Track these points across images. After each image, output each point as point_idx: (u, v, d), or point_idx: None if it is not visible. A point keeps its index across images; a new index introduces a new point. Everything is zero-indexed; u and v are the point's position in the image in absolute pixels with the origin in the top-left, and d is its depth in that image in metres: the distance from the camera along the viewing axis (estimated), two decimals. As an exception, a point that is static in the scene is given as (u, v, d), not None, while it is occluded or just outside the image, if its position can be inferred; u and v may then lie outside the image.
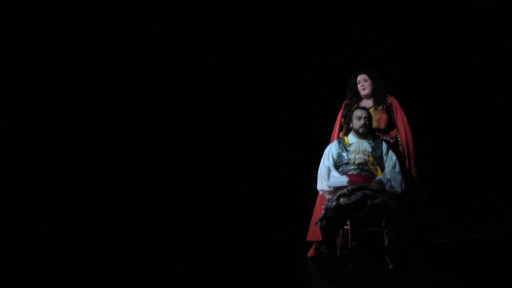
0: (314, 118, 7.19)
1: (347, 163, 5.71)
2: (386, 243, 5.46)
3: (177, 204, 7.52)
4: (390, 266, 5.40)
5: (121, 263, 6.35)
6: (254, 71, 7.69)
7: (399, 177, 5.62)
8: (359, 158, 5.70)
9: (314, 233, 5.96)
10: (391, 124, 6.03)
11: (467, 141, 7.70)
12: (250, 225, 7.34)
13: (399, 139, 5.93)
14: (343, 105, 6.16)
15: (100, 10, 7.42)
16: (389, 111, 6.03)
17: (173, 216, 7.42)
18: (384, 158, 5.73)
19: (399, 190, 5.58)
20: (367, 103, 6.07)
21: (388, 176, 5.62)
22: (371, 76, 6.01)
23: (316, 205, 6.04)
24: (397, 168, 5.68)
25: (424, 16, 7.59)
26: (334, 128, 6.14)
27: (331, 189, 5.63)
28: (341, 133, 6.07)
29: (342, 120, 6.10)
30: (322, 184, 5.71)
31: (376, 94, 6.04)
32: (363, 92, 6.04)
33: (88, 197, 7.33)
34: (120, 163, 7.47)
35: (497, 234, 6.73)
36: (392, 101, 6.04)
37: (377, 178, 5.61)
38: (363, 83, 6.02)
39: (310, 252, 6.04)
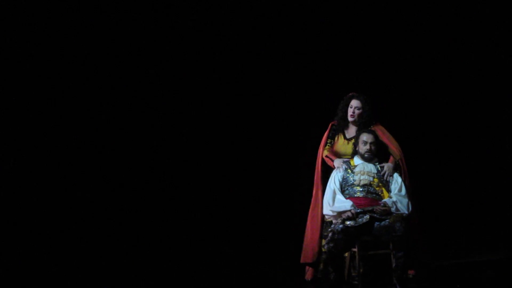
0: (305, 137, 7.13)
1: (352, 185, 5.76)
2: (393, 265, 5.53)
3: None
4: (398, 288, 5.49)
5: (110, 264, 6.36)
6: (237, 86, 7.66)
7: (405, 200, 5.69)
8: (364, 179, 5.75)
9: (306, 255, 5.99)
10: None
11: (463, 161, 7.72)
12: (243, 248, 7.29)
13: (397, 161, 5.92)
14: (329, 126, 6.17)
15: (99, 10, 7.42)
16: None
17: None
18: (390, 180, 5.79)
19: (406, 212, 5.64)
20: (352, 130, 6.09)
21: (394, 198, 5.67)
22: (364, 105, 5.98)
23: (307, 227, 6.05)
24: (403, 191, 5.74)
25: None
26: (319, 148, 6.13)
27: (334, 213, 5.66)
28: (326, 153, 6.06)
29: (329, 140, 6.11)
30: (327, 209, 5.75)
31: (362, 123, 6.04)
32: (350, 118, 6.03)
33: (85, 197, 7.34)
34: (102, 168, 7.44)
35: (498, 256, 6.75)
36: (376, 129, 6.01)
37: (383, 201, 5.67)
38: (355, 110, 6.00)
39: (308, 275, 6.05)
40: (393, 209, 5.59)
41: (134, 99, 7.51)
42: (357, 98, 6.01)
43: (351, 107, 6.01)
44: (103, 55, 7.39)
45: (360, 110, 5.98)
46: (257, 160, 7.57)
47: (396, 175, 5.80)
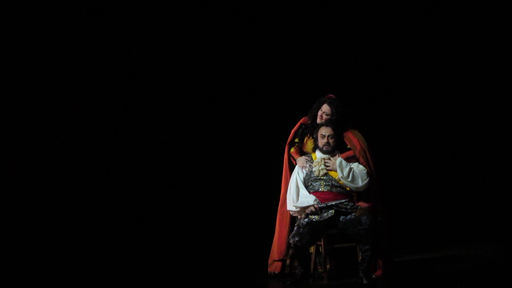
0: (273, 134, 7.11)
1: (315, 179, 5.70)
2: (359, 258, 5.48)
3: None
4: (364, 281, 5.41)
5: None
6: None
7: (364, 172, 5.65)
8: (322, 169, 5.69)
9: (275, 252, 5.92)
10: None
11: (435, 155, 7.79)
12: (212, 244, 7.32)
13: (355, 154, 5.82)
14: (298, 123, 6.07)
15: (99, 10, 7.43)
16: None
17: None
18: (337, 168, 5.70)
19: (360, 184, 5.63)
20: None
21: (351, 165, 5.65)
22: (336, 110, 5.85)
23: (276, 225, 5.98)
24: (365, 170, 5.68)
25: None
26: (286, 144, 6.05)
27: (298, 209, 5.63)
28: (292, 150, 5.99)
29: (297, 140, 6.03)
30: (290, 205, 5.71)
31: None
32: (318, 120, 5.91)
33: (85, 197, 7.35)
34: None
35: (463, 252, 6.77)
36: (349, 131, 5.90)
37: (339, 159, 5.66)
38: (323, 115, 5.88)
39: (277, 268, 5.93)
40: (345, 172, 5.59)
41: (134, 99, 7.52)
42: (329, 104, 5.87)
43: (321, 111, 5.91)
44: (103, 55, 7.41)
45: (328, 117, 5.88)
46: (215, 178, 7.60)
47: (356, 163, 5.70)
